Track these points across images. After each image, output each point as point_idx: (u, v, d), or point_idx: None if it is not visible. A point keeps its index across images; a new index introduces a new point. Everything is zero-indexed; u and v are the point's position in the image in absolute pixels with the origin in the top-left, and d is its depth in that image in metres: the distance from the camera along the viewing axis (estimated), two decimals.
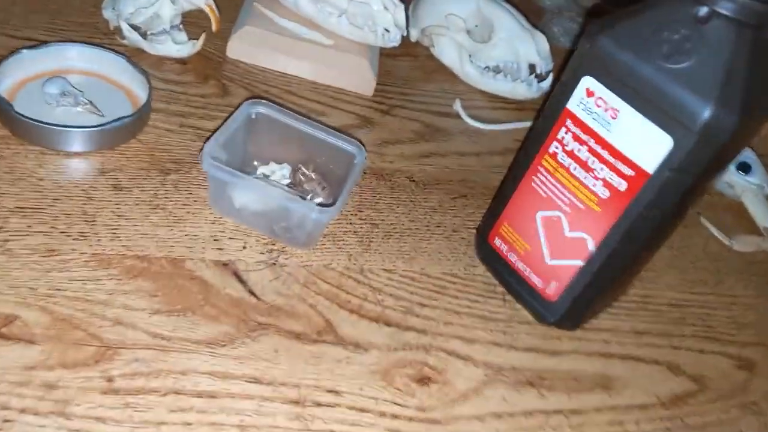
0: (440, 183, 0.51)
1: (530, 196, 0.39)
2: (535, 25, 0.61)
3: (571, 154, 0.36)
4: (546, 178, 0.38)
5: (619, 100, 0.34)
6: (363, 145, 0.44)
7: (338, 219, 0.44)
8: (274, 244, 0.41)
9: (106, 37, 0.51)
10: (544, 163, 0.38)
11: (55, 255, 0.36)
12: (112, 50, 0.46)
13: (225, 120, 0.41)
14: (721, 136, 0.32)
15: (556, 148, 0.37)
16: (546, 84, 0.60)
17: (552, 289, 0.40)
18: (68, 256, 0.36)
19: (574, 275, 0.39)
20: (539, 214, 0.39)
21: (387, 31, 0.54)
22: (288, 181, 0.44)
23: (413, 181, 0.50)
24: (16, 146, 0.41)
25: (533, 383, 0.40)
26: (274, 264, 0.40)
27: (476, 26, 0.59)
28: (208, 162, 0.38)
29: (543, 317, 0.42)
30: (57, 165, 0.40)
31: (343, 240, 0.43)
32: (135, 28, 0.49)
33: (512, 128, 0.58)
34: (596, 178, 0.36)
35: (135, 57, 0.49)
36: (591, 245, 0.37)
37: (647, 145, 0.33)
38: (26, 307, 0.33)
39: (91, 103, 0.43)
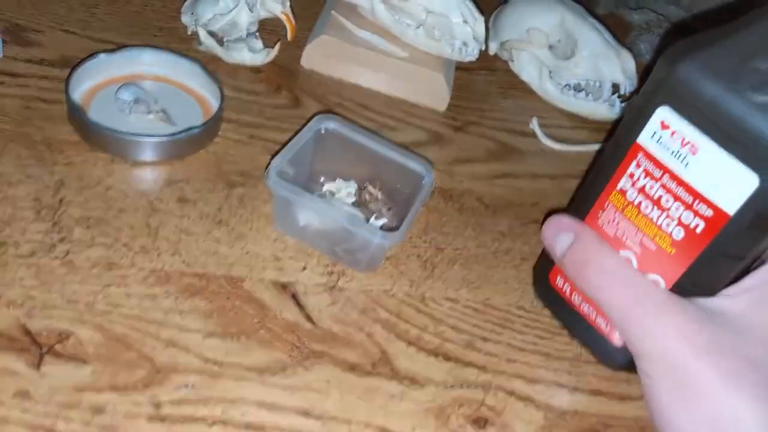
0: (512, 206, 0.48)
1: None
2: (621, 42, 0.56)
3: (642, 191, 0.33)
4: (614, 215, 0.35)
5: (699, 134, 0.30)
6: (432, 164, 0.41)
7: (402, 241, 0.42)
8: (335, 266, 0.40)
9: (183, 43, 0.51)
10: (612, 200, 0.34)
11: (116, 269, 0.36)
12: (187, 56, 0.46)
13: (295, 134, 0.40)
14: None
15: (626, 184, 0.34)
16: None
17: (618, 334, 0.37)
18: (128, 271, 0.36)
19: None
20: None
21: (465, 44, 0.51)
22: (353, 199, 0.43)
23: (483, 203, 0.47)
24: (86, 154, 0.41)
25: (597, 430, 0.37)
26: (333, 288, 0.39)
27: (559, 41, 0.56)
28: (273, 180, 0.37)
29: (609, 362, 0.38)
30: (125, 174, 0.40)
31: (405, 264, 0.41)
32: (212, 34, 0.49)
33: (591, 150, 0.55)
34: (670, 218, 0.32)
35: (210, 64, 0.49)
36: (662, 288, 0.34)
37: (730, 184, 0.30)
38: (81, 323, 0.33)
39: (163, 110, 0.43)
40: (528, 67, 0.57)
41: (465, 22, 0.49)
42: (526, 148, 0.53)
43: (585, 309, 0.38)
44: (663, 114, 0.31)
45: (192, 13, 0.49)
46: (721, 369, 0.30)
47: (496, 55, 0.60)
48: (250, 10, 0.47)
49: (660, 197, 0.32)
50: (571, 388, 0.38)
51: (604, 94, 0.55)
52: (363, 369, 0.35)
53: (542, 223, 0.37)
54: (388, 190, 0.43)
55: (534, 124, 0.55)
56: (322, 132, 0.41)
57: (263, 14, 0.48)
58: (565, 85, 0.56)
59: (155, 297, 0.35)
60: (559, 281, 0.39)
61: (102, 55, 0.44)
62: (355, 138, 0.41)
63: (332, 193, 0.43)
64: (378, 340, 0.37)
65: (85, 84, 0.44)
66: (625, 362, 0.38)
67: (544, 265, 0.40)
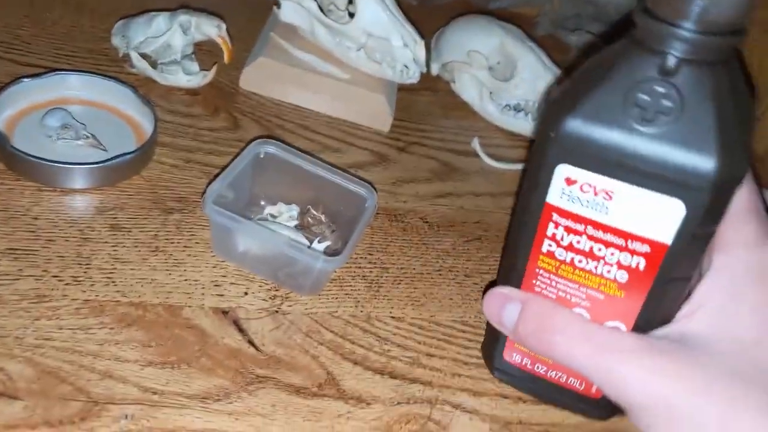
0: (455, 225, 0.48)
1: None
2: (560, 63, 0.58)
3: (570, 248, 0.32)
4: (549, 279, 0.33)
5: (608, 179, 0.29)
6: (374, 187, 0.42)
7: (347, 262, 0.42)
8: (277, 290, 0.39)
9: (114, 65, 0.49)
10: (542, 265, 0.33)
11: (46, 301, 0.34)
12: (118, 79, 0.45)
13: (233, 158, 0.40)
14: (735, 184, 0.29)
15: (550, 246, 0.32)
16: None
17: (595, 388, 0.36)
18: (59, 302, 0.34)
19: None
20: None
21: (406, 67, 0.52)
22: (296, 222, 0.42)
23: (427, 222, 0.48)
24: (11, 182, 0.39)
25: None
26: (277, 312, 0.38)
27: (498, 63, 0.58)
28: (209, 206, 0.36)
29: (595, 415, 0.38)
30: (54, 203, 0.39)
31: (350, 285, 0.41)
32: (144, 56, 0.48)
33: None
34: (609, 264, 0.31)
35: (143, 87, 0.48)
36: (625, 331, 0.33)
37: (657, 216, 0.29)
38: (11, 358, 0.31)
39: (93, 136, 0.42)
40: (469, 88, 0.59)
41: (405, 45, 0.50)
42: (467, 168, 0.54)
43: (553, 375, 0.37)
44: (564, 171, 0.30)
45: (123, 36, 0.48)
46: (720, 397, 0.29)
47: (438, 76, 0.61)
48: (185, 32, 0.46)
49: (591, 248, 0.31)
50: (515, 399, 0.39)
51: None
52: (309, 391, 0.35)
53: (483, 295, 0.36)
54: (330, 212, 0.42)
55: (475, 144, 0.56)
56: (261, 156, 0.41)
57: (198, 37, 0.48)
58: (505, 105, 0.58)
59: (89, 328, 0.34)
60: (516, 356, 0.37)
61: (26, 80, 0.42)
62: (296, 162, 0.41)
63: (274, 217, 0.42)
64: (323, 362, 0.36)
65: (8, 110, 0.42)
66: (610, 410, 0.37)
67: (494, 344, 0.38)
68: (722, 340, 0.30)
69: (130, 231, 0.39)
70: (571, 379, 0.37)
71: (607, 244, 0.31)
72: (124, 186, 0.41)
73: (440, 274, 0.44)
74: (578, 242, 0.31)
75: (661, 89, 0.28)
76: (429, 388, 0.37)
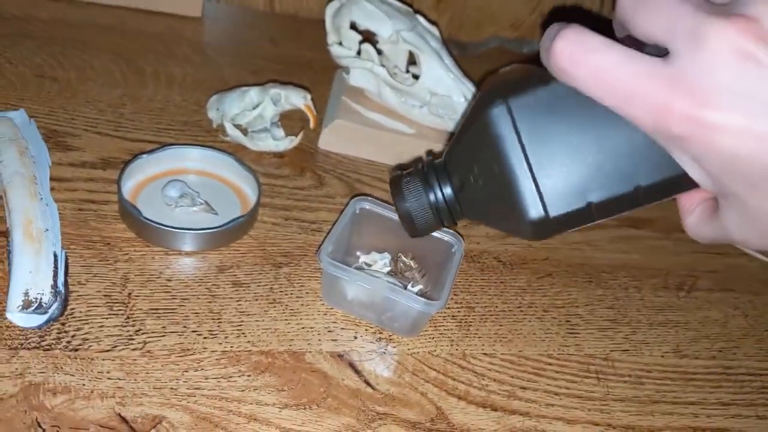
0: (526, 262, 0.53)
1: None
2: None
3: None
4: None
5: None
6: (460, 234, 0.46)
7: None
8: (381, 333, 0.43)
9: (209, 135, 0.55)
10: None
11: (190, 354, 0.38)
12: (223, 150, 0.50)
13: (335, 222, 0.44)
14: None
15: None
16: None
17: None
18: (201, 354, 0.39)
19: None
20: None
21: None
22: (389, 268, 0.47)
23: (501, 261, 0.52)
24: (142, 248, 0.44)
25: None
26: (384, 353, 0.42)
27: None
28: (325, 261, 0.41)
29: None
30: (181, 265, 0.44)
31: (443, 325, 0.45)
32: (237, 126, 0.53)
33: None
34: None
35: (237, 153, 0.53)
36: None
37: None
38: (170, 407, 0.36)
39: (206, 203, 0.47)
40: None
41: (466, 100, 0.55)
42: None
43: None
44: None
45: (218, 109, 0.54)
46: None
47: None
48: (275, 104, 0.52)
49: None
50: (605, 425, 0.42)
51: None
52: (423, 426, 0.39)
53: None
54: (419, 258, 0.47)
55: None
56: (357, 212, 0.46)
57: (287, 107, 0.53)
58: None
59: (230, 377, 0.38)
60: None
61: (144, 156, 0.48)
62: (387, 214, 0.46)
63: (368, 265, 0.47)
64: (432, 398, 0.40)
65: (130, 182, 0.47)
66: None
67: None
68: None
69: (249, 286, 0.44)
70: None
71: None
72: (237, 246, 0.46)
73: (521, 311, 0.48)
74: None
75: None
76: (527, 418, 0.41)
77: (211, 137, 0.55)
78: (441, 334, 0.45)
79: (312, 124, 0.54)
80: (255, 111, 0.51)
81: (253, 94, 0.52)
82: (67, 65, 0.59)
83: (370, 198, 0.46)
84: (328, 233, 0.43)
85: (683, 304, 0.53)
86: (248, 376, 0.38)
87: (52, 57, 0.59)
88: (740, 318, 0.53)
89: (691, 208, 0.32)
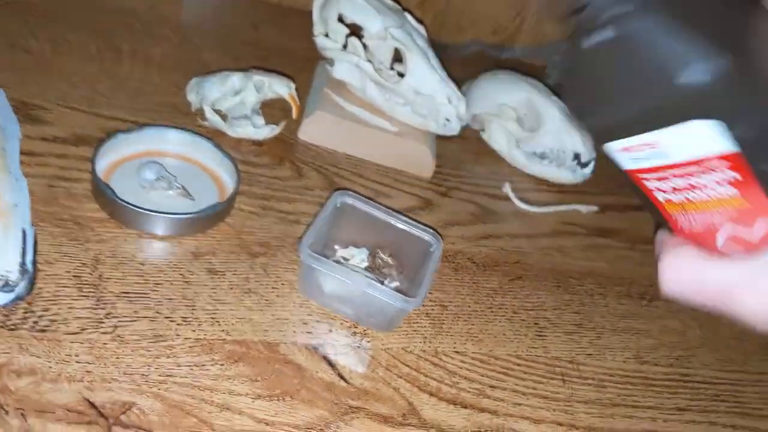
0: (498, 264, 0.53)
1: (694, 239, 0.37)
2: None
3: (676, 190, 0.34)
4: (685, 217, 0.36)
5: (642, 137, 0.33)
6: (439, 234, 0.46)
7: None
8: (356, 327, 0.43)
9: (186, 118, 0.54)
10: (670, 209, 0.36)
11: (162, 340, 0.38)
12: (203, 136, 0.49)
13: (316, 214, 0.44)
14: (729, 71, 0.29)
15: (661, 195, 0.35)
16: (588, 171, 0.64)
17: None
18: (174, 341, 0.38)
19: None
20: (720, 238, 0.36)
21: (448, 120, 0.57)
22: (366, 264, 0.47)
23: (474, 262, 0.53)
24: (114, 229, 0.43)
25: None
26: (359, 347, 0.42)
27: (525, 115, 0.63)
28: (306, 254, 0.40)
29: None
30: (155, 249, 0.43)
31: (417, 322, 0.46)
32: (216, 111, 0.52)
33: (559, 211, 0.62)
34: (712, 186, 0.33)
35: (215, 138, 0.52)
36: None
37: (704, 137, 0.31)
38: (140, 394, 0.35)
39: (183, 187, 0.46)
40: (498, 137, 0.64)
41: (449, 101, 0.56)
42: (502, 211, 0.59)
43: None
44: (611, 147, 0.34)
45: (197, 92, 0.53)
46: None
47: (467, 126, 0.66)
48: (257, 91, 0.51)
49: (690, 183, 0.33)
50: (569, 426, 0.43)
51: (567, 161, 0.63)
52: (395, 420, 0.39)
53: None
54: (397, 256, 0.47)
55: (507, 189, 0.61)
56: (338, 206, 0.45)
57: (270, 95, 0.52)
58: (532, 153, 0.64)
59: (203, 365, 0.37)
60: None
61: (120, 135, 0.46)
62: (368, 210, 0.46)
63: (346, 259, 0.47)
64: (404, 393, 0.41)
65: (104, 160, 0.46)
66: None
67: None
68: None
69: (224, 274, 0.43)
70: None
71: (692, 174, 0.33)
72: (213, 232, 0.45)
73: (492, 311, 0.49)
74: (677, 184, 0.34)
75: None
76: (496, 416, 0.42)
77: (189, 120, 0.53)
78: (415, 330, 0.45)
79: (294, 114, 0.53)
80: (237, 97, 0.51)
81: (235, 79, 0.51)
82: (42, 38, 0.56)
83: (351, 192, 0.46)
84: (309, 225, 0.42)
85: (645, 313, 0.55)
86: (221, 365, 0.38)
87: (27, 28, 0.57)
88: (697, 329, 0.55)
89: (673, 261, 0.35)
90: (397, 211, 0.48)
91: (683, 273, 0.34)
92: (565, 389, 0.46)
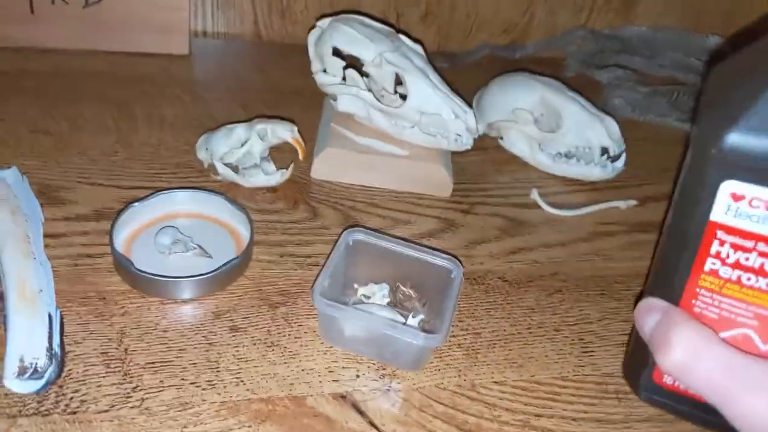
0: (533, 280, 0.51)
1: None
2: (595, 103, 0.61)
3: (737, 266, 0.30)
4: (711, 298, 0.32)
5: None
6: (459, 259, 0.45)
7: None
8: (385, 369, 0.42)
9: (201, 175, 0.54)
10: (703, 284, 0.32)
11: (189, 408, 0.38)
12: (213, 191, 0.50)
13: (322, 245, 0.43)
14: None
15: (714, 264, 0.31)
16: (620, 164, 0.60)
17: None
18: (200, 407, 0.38)
19: None
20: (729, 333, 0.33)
21: (459, 135, 0.55)
22: (388, 300, 0.46)
23: (506, 281, 0.50)
24: (137, 299, 0.44)
25: None
26: (389, 390, 0.41)
27: (542, 115, 0.61)
28: (318, 299, 0.40)
29: None
30: (177, 314, 0.43)
31: (449, 355, 0.44)
32: (227, 164, 0.53)
33: (594, 211, 0.59)
34: None
35: (229, 192, 0.52)
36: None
37: None
38: None
39: (200, 247, 0.46)
40: (518, 143, 0.62)
41: (456, 117, 0.54)
42: (532, 220, 0.57)
43: None
44: (729, 188, 0.29)
45: (206, 149, 0.53)
46: None
47: (484, 135, 0.64)
48: (262, 139, 0.51)
49: (762, 264, 0.30)
50: None
51: (595, 157, 0.60)
52: None
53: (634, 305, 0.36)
54: (418, 286, 0.46)
55: (534, 195, 0.59)
56: (350, 244, 0.45)
57: (274, 141, 0.52)
58: (557, 154, 0.61)
59: (230, 429, 0.37)
60: (667, 378, 0.35)
61: (136, 204, 0.47)
62: (381, 244, 0.45)
63: (367, 297, 0.46)
64: None
65: (124, 231, 0.47)
66: None
67: (642, 364, 0.36)
68: None
69: (246, 330, 0.43)
70: None
71: None
72: (232, 288, 0.45)
73: (530, 332, 0.47)
74: (747, 259, 0.30)
75: None
76: None
77: (203, 178, 0.54)
78: (447, 364, 0.43)
79: (301, 156, 0.53)
80: (243, 148, 0.51)
81: (240, 131, 0.51)
82: (59, 117, 0.59)
83: (362, 228, 0.45)
84: (321, 268, 0.42)
85: None
86: (248, 426, 0.37)
87: (44, 110, 0.59)
88: None
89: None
90: (413, 240, 0.46)
91: (702, 351, 0.30)
92: (621, 408, 0.43)
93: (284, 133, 0.51)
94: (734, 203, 0.29)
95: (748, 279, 0.31)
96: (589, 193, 0.61)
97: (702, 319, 0.33)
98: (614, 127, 0.59)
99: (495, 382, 0.43)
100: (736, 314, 0.32)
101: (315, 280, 0.41)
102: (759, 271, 0.30)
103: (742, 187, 0.29)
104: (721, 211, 0.30)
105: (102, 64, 0.67)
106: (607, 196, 0.60)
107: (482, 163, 0.63)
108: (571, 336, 0.47)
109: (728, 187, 0.29)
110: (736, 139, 0.28)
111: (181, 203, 0.49)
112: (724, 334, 0.33)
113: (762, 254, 0.30)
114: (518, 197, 0.59)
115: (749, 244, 0.30)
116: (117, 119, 0.60)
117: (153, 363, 0.40)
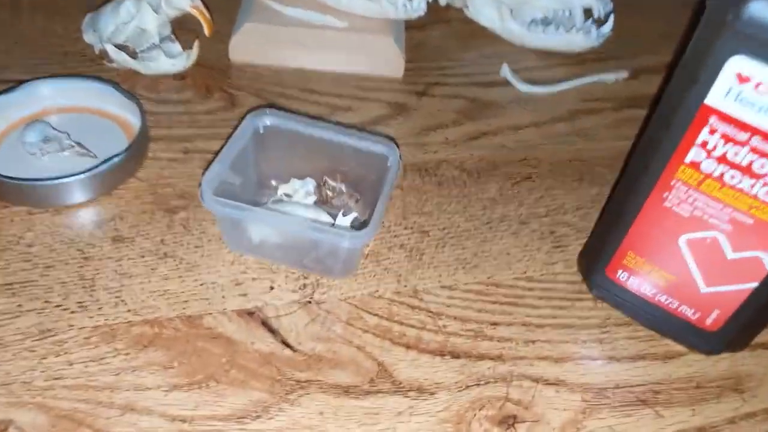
0: (497, 167, 0.42)
1: (664, 218, 0.30)
2: None
3: (723, 160, 0.27)
4: (686, 193, 0.29)
5: None
6: (395, 140, 0.36)
7: (380, 233, 0.37)
8: (307, 278, 0.34)
9: (93, 64, 0.45)
10: (681, 176, 0.29)
11: (51, 335, 0.30)
12: (93, 77, 0.40)
13: (227, 139, 0.35)
14: None
15: (698, 155, 0.28)
16: (607, 28, 0.50)
17: (712, 319, 0.32)
18: (66, 334, 0.30)
19: (744, 300, 0.30)
20: (684, 238, 0.30)
21: (409, 0, 0.45)
22: (314, 198, 0.37)
23: (464, 170, 0.42)
24: (2, 210, 0.35)
25: (645, 401, 0.32)
26: (309, 302, 0.33)
27: None
28: (208, 198, 0.31)
29: (702, 348, 0.33)
30: (47, 225, 0.35)
31: (388, 258, 0.36)
32: (122, 47, 0.43)
33: (577, 86, 0.49)
34: None
35: (128, 81, 0.43)
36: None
37: None
38: (20, 407, 0.28)
39: (79, 144, 0.38)
40: (485, 10, 0.51)
41: None
42: (500, 99, 0.47)
43: (663, 300, 0.33)
44: (738, 65, 0.25)
45: (94, 30, 0.44)
46: None
47: (447, 5, 0.54)
48: (155, 11, 0.41)
49: (751, 162, 0.27)
50: (606, 359, 0.33)
51: (577, 22, 0.49)
52: (360, 389, 0.30)
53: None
54: (351, 179, 0.37)
55: (505, 71, 0.49)
56: (261, 131, 0.36)
57: (171, 13, 0.42)
58: (531, 21, 0.51)
59: (101, 358, 0.30)
60: (622, 275, 0.33)
61: None
62: (300, 129, 0.36)
63: (289, 196, 0.37)
64: (371, 352, 0.32)
65: None
66: (723, 345, 0.33)
67: (597, 256, 0.34)
68: None
69: (133, 240, 0.35)
70: (683, 306, 0.32)
71: None
72: (120, 192, 0.37)
73: (489, 227, 0.38)
74: (736, 154, 0.27)
75: None
76: (500, 363, 0.32)
77: (96, 66, 0.45)
78: (385, 269, 0.35)
79: (207, 31, 0.43)
80: (131, 23, 0.41)
81: (128, 4, 0.41)
82: None
83: (273, 110, 0.36)
84: (211, 161, 0.33)
85: None
86: (126, 354, 0.30)
87: None
88: None
89: None
90: (345, 125, 0.37)
91: None
92: (599, 311, 0.35)
93: (181, 1, 0.41)
94: (738, 85, 0.26)
95: (732, 177, 0.28)
96: (571, 66, 0.51)
97: (671, 216, 0.30)
98: None
99: (443, 287, 0.35)
100: (709, 215, 0.29)
101: (203, 173, 0.32)
102: (746, 170, 0.27)
103: (752, 66, 0.25)
104: (720, 92, 0.26)
105: None
106: (593, 69, 0.50)
107: (443, 38, 0.52)
108: (541, 229, 0.39)
109: (736, 63, 0.25)
110: (758, 7, 0.24)
111: (53, 96, 0.40)
112: (691, 236, 0.30)
113: (754, 150, 0.26)
114: (485, 75, 0.49)
115: (743, 136, 0.26)
116: None
117: (11, 284, 0.32)
